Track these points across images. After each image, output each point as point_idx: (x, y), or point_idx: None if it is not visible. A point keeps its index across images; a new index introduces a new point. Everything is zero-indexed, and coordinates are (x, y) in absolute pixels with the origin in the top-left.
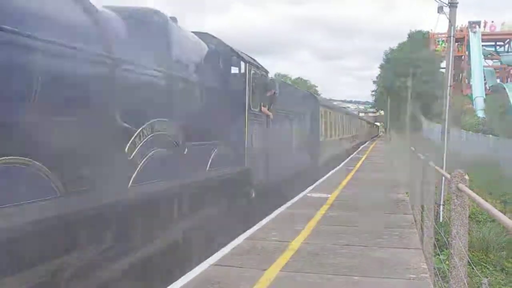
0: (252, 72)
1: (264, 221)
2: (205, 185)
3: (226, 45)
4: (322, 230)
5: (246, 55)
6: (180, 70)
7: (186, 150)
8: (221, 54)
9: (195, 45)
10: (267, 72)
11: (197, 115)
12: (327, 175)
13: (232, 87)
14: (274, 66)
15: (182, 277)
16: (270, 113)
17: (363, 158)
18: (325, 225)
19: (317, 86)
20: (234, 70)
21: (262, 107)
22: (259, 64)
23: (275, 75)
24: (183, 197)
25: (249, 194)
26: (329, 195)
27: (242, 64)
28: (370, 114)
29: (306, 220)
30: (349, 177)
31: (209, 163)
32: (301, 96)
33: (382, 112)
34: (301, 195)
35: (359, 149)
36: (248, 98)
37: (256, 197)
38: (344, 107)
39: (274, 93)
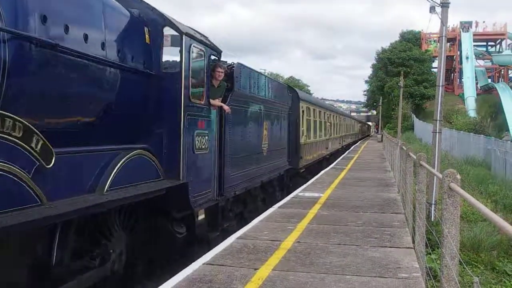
0: (193, 49)
1: (255, 221)
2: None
3: (155, 11)
4: (314, 229)
5: (187, 26)
6: (71, 42)
7: (53, 162)
8: (146, 23)
9: (105, 7)
10: (219, 52)
11: (88, 107)
12: (319, 175)
13: (161, 69)
14: (267, 66)
15: (174, 277)
16: (226, 107)
17: (355, 158)
18: (317, 224)
19: (309, 86)
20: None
21: (212, 100)
22: (207, 40)
23: (268, 74)
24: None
25: (179, 228)
26: (321, 194)
27: (177, 37)
28: (362, 114)
29: (298, 219)
30: (341, 176)
31: (99, 180)
32: (276, 89)
33: (374, 112)
34: (292, 194)
35: (350, 149)
36: (185, 85)
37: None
38: (332, 105)
39: (227, 75)
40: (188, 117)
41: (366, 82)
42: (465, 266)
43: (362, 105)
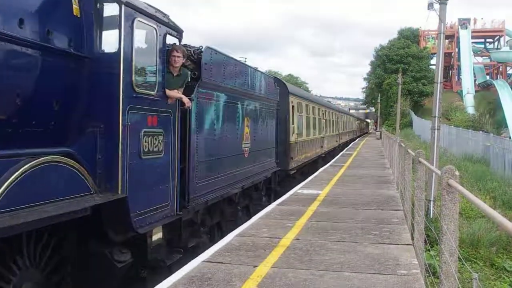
0: (139, 24)
1: (254, 218)
2: None
3: None
4: (313, 226)
5: None
6: None
7: None
8: None
9: None
10: (179, 32)
11: None
12: (318, 172)
13: (98, 50)
14: (265, 63)
15: (174, 274)
16: (185, 99)
17: (353, 155)
18: (316, 221)
19: (307, 83)
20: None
21: (169, 90)
22: (164, 17)
23: (266, 71)
24: None
25: (119, 254)
26: (320, 192)
27: (116, 8)
28: (361, 111)
29: (297, 216)
30: (340, 173)
31: None
32: (260, 81)
33: (372, 109)
34: (292, 191)
35: (348, 147)
36: (126, 70)
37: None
38: (329, 102)
39: (194, 61)
40: (132, 112)
41: (365, 79)
42: (464, 263)
43: (360, 102)
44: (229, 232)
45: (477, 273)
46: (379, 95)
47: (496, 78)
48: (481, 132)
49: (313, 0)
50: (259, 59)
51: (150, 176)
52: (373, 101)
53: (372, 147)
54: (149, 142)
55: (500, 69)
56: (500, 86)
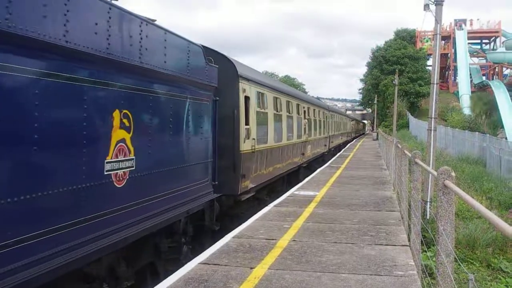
0: None
1: (251, 220)
2: None
3: None
4: (310, 228)
5: None
6: None
7: None
8: None
9: None
10: None
11: None
12: (314, 173)
13: None
14: (263, 64)
15: (170, 276)
16: None
17: (350, 156)
18: (313, 222)
19: (304, 84)
20: None
21: None
22: None
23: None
24: None
25: None
26: (316, 193)
27: None
28: (358, 112)
29: (294, 218)
30: (336, 174)
31: None
32: (166, 47)
33: (369, 110)
34: (288, 193)
35: (345, 148)
36: None
37: None
38: (320, 99)
39: None
40: None
41: (361, 80)
42: (460, 263)
43: (357, 103)
44: None
45: (473, 274)
46: (376, 96)
47: (492, 79)
48: (477, 133)
49: (311, 1)
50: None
51: None
52: (370, 102)
53: (369, 148)
54: None
55: (496, 70)
56: (496, 86)
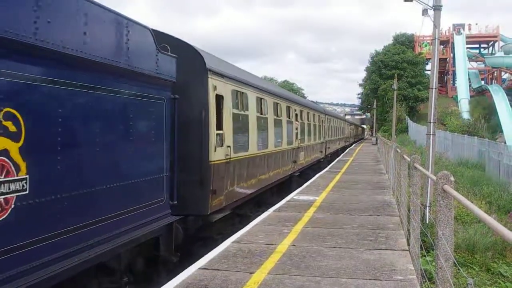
0: None
1: (251, 225)
2: None
3: None
4: (309, 233)
5: None
6: None
7: None
8: None
9: None
10: None
11: None
12: (314, 178)
13: None
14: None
15: (170, 282)
16: None
17: (350, 160)
18: (312, 227)
19: (303, 89)
20: None
21: None
22: None
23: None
24: None
25: None
26: (316, 198)
27: None
28: (357, 117)
29: (293, 222)
30: (336, 179)
31: None
32: (115, 32)
33: (368, 115)
34: (288, 198)
35: (344, 152)
36: None
37: None
38: (317, 104)
39: None
40: None
41: (360, 85)
42: (459, 268)
43: (356, 108)
44: None
45: (473, 278)
46: (375, 100)
47: (491, 83)
48: (476, 137)
49: (309, 6)
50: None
51: None
52: (369, 106)
53: (368, 153)
54: None
55: (495, 74)
56: (495, 91)
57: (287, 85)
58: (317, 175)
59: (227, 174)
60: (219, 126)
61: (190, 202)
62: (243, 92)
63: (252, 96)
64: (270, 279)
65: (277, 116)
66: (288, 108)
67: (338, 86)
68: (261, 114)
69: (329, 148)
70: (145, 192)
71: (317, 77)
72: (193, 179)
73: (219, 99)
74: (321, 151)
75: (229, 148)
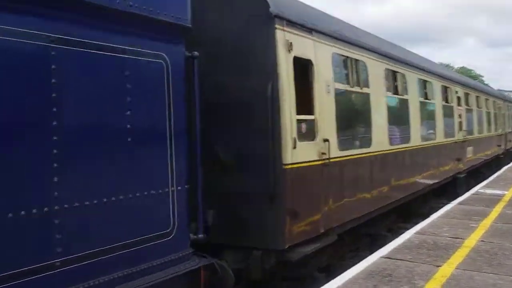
0: None
1: (433, 216)
2: None
3: None
4: (499, 229)
5: None
6: None
7: None
8: None
9: None
10: None
11: None
12: (501, 170)
13: None
14: (435, 56)
15: (351, 269)
16: None
17: None
18: (502, 223)
19: (483, 76)
20: None
21: None
22: None
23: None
24: None
25: None
26: (505, 192)
27: None
28: None
29: (480, 217)
30: None
31: None
32: None
33: None
34: (472, 191)
35: None
36: None
37: None
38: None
39: None
40: None
41: None
42: None
43: None
44: None
45: None
46: None
47: None
48: None
49: None
50: (429, 51)
51: None
52: None
53: None
54: None
55: None
56: None
57: (464, 71)
58: (504, 168)
59: (324, 184)
60: (305, 108)
61: (247, 227)
62: (358, 60)
63: (376, 66)
64: (459, 274)
65: (424, 98)
66: (445, 88)
67: None
68: (394, 93)
69: (510, 141)
70: (125, 222)
71: (499, 63)
72: (249, 191)
73: (306, 65)
74: (499, 145)
75: (327, 143)
